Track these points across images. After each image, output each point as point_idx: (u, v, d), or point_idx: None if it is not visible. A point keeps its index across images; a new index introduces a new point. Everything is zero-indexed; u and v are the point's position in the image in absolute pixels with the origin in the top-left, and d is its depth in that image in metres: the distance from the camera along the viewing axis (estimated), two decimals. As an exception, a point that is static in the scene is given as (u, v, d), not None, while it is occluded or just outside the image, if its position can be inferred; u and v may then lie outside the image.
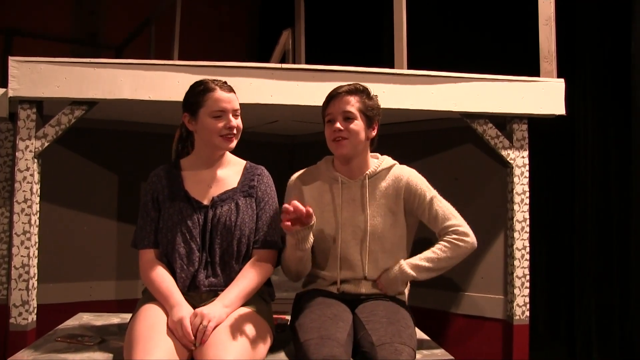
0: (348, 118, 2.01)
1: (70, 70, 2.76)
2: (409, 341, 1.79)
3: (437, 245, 2.05)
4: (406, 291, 2.20)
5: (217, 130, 1.95)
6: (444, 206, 2.08)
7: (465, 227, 2.07)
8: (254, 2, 7.26)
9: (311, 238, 1.95)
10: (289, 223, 1.81)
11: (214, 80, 2.00)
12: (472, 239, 2.06)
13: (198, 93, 1.98)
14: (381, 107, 2.12)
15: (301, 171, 2.17)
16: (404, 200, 2.07)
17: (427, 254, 2.04)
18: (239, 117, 2.01)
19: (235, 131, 1.98)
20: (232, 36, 6.95)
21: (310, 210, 1.83)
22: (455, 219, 2.07)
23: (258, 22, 7.20)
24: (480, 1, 4.26)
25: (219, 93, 1.96)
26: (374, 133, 2.08)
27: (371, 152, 2.14)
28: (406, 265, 2.03)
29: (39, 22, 5.80)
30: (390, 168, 2.10)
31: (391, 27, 3.19)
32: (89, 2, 6.25)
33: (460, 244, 2.04)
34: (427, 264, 2.01)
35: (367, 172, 2.07)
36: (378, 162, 2.11)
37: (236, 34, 7.07)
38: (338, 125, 2.00)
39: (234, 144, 2.00)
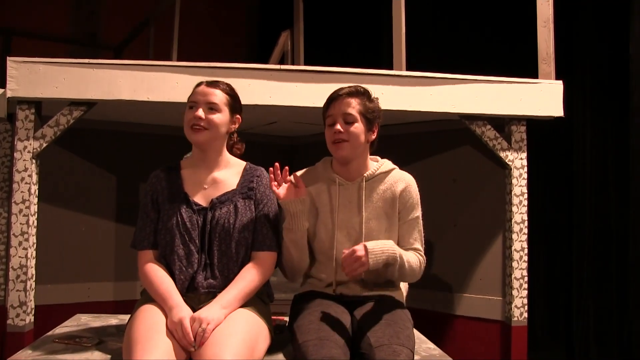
0: (348, 120, 2.00)
1: (69, 70, 2.76)
2: (407, 342, 1.79)
3: (413, 255, 2.03)
4: (404, 292, 2.20)
5: (186, 121, 1.97)
6: (421, 230, 2.10)
7: (425, 260, 2.08)
8: (253, 3, 7.26)
9: (305, 222, 1.98)
10: (280, 191, 1.92)
11: (208, 80, 2.03)
12: (422, 272, 2.08)
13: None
14: (381, 109, 2.12)
15: (299, 172, 2.16)
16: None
17: (411, 256, 2.01)
18: (217, 113, 1.97)
19: (203, 124, 1.95)
20: (231, 37, 6.95)
21: (298, 175, 1.95)
22: (423, 247, 2.09)
23: (257, 23, 7.20)
24: (478, 3, 4.27)
25: (199, 87, 2.00)
26: (373, 136, 2.07)
27: (371, 154, 2.13)
28: (398, 261, 1.95)
29: (38, 23, 5.80)
30: (389, 172, 2.10)
31: (390, 28, 3.19)
32: (88, 3, 6.25)
33: (421, 267, 2.06)
34: (406, 265, 1.98)
35: (365, 174, 2.07)
36: (377, 165, 2.11)
37: (235, 35, 7.07)
38: (338, 127, 2.00)
39: (201, 136, 1.96)
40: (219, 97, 1.99)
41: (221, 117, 1.99)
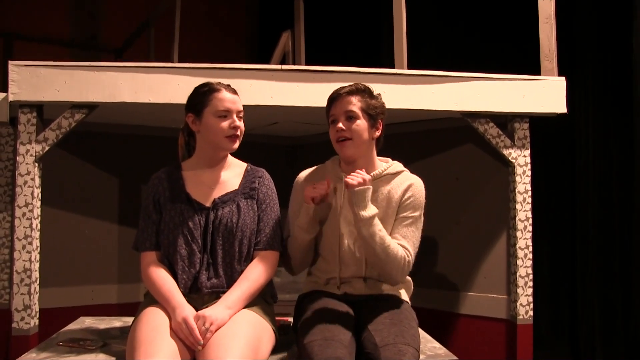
0: (350, 117, 2.00)
1: (70, 73, 2.76)
2: (412, 341, 1.79)
3: (396, 244, 1.96)
4: (409, 291, 2.19)
5: (222, 130, 1.96)
6: (414, 231, 2.02)
7: (411, 263, 2.00)
8: (253, 4, 7.25)
9: (317, 225, 2.03)
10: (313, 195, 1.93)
11: (218, 82, 2.02)
12: (404, 276, 2.04)
13: (203, 93, 2.00)
14: (384, 105, 2.11)
15: (309, 170, 2.18)
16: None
17: (395, 245, 1.95)
18: (242, 120, 2.02)
19: (238, 132, 1.99)
20: (232, 38, 6.95)
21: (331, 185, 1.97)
22: (412, 250, 2.00)
23: (258, 23, 7.19)
24: (479, 0, 4.26)
25: (224, 93, 1.98)
26: (378, 133, 2.06)
27: (377, 152, 2.12)
28: (376, 220, 1.92)
29: (39, 26, 5.80)
30: (397, 174, 2.08)
31: (390, 28, 3.18)
32: (89, 6, 6.26)
33: (404, 264, 1.96)
34: (379, 238, 1.91)
35: (372, 173, 2.06)
36: (386, 165, 2.09)
37: (236, 35, 7.07)
38: (340, 125, 1.99)
39: (237, 145, 2.01)
40: (241, 103, 2.03)
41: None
